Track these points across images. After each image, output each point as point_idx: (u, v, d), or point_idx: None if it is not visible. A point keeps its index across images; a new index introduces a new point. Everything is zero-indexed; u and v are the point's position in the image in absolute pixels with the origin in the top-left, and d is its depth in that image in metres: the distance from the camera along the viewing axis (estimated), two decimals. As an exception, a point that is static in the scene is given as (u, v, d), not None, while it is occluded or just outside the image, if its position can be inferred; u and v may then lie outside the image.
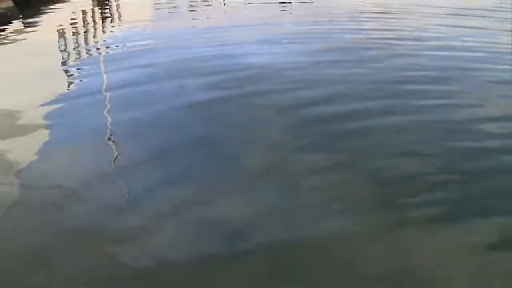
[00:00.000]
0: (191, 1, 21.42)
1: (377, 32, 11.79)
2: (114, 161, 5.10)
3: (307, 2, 18.57)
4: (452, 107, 6.42)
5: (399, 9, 15.49)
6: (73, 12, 17.21)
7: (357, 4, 17.06)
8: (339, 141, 5.44)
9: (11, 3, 18.41)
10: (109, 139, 5.63)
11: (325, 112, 6.19)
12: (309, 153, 5.15)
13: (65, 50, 10.99)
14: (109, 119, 6.20)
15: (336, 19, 13.85)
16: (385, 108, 6.31)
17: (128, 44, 10.87)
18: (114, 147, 5.44)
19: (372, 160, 4.99)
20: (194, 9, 18.73)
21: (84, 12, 17.72)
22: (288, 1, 18.59)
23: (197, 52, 9.76)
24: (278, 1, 18.46)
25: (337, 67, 8.45)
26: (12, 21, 14.86)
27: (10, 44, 11.53)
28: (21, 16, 16.30)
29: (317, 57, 9.25)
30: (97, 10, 18.29)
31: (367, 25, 12.64)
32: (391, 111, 6.23)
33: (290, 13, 16.18)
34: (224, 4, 18.77)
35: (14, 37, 12.48)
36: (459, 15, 14.37)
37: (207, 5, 19.76)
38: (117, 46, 10.94)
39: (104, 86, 7.55)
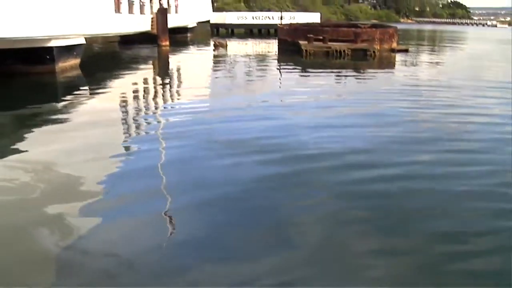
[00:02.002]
0: (247, 68, 22.04)
1: (428, 107, 11.76)
2: (169, 236, 5.14)
3: (361, 76, 18.68)
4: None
5: (447, 84, 15.35)
6: (136, 81, 17.88)
7: (406, 79, 17.09)
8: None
9: (79, 71, 19.39)
10: (165, 214, 5.64)
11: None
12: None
13: (125, 120, 11.26)
14: (165, 193, 6.20)
15: (388, 95, 13.69)
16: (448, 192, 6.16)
17: (186, 116, 11.04)
18: (170, 222, 5.45)
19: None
20: (250, 76, 19.16)
21: (145, 81, 18.38)
22: (344, 75, 18.78)
23: (252, 127, 9.78)
24: (334, 76, 18.63)
25: (393, 152, 8.25)
26: (79, 88, 15.52)
27: (77, 111, 11.96)
28: (87, 84, 17.04)
29: (368, 134, 9.14)
30: (158, 78, 18.92)
31: (421, 103, 12.46)
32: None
33: (345, 86, 16.23)
34: (280, 75, 19.13)
35: (80, 104, 12.98)
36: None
37: (262, 73, 20.20)
38: (175, 117, 11.12)
39: (161, 161, 7.60)
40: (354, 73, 20.02)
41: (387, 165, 7.38)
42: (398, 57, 26.79)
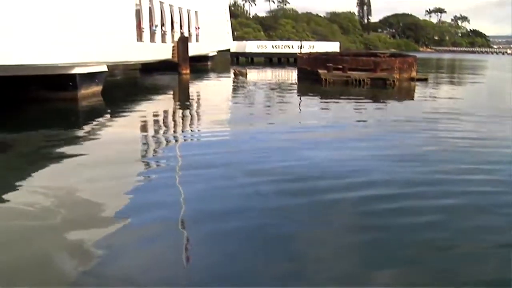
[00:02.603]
0: (266, 96, 22.10)
1: (450, 138, 11.61)
2: (186, 265, 5.12)
3: (380, 105, 18.61)
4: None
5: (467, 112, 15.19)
6: (156, 108, 18.05)
7: (426, 108, 16.95)
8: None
9: (101, 98, 19.66)
10: (182, 243, 5.61)
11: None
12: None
13: (145, 148, 11.35)
14: (183, 223, 6.19)
15: (408, 125, 13.59)
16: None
17: (205, 144, 11.12)
18: (187, 251, 5.41)
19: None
20: (269, 105, 19.21)
21: (166, 108, 18.54)
22: (363, 104, 18.74)
23: (271, 156, 9.76)
24: (353, 105, 18.61)
25: (414, 184, 8.16)
26: (100, 115, 15.73)
27: (98, 137, 12.09)
28: (108, 111, 17.26)
29: (389, 166, 9.05)
30: (179, 106, 19.07)
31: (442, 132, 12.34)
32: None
33: (364, 116, 16.18)
34: (300, 104, 19.17)
35: (101, 130, 13.15)
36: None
37: (282, 102, 20.23)
38: (194, 145, 11.20)
39: (179, 189, 7.60)
40: (374, 102, 19.96)
41: (408, 197, 7.28)
42: (418, 86, 26.72)
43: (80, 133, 12.63)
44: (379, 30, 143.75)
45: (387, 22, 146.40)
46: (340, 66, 27.13)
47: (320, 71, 26.96)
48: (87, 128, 13.39)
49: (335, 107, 18.33)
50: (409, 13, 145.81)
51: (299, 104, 19.70)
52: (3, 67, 14.46)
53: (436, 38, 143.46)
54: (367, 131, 13.01)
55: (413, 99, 22.00)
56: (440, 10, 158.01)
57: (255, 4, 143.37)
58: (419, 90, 24.97)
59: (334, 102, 19.63)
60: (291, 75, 34.67)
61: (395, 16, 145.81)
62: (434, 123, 14.19)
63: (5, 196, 7.25)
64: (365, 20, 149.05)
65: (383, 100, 21.10)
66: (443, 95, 23.82)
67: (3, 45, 13.52)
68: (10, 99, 16.87)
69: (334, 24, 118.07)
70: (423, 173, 8.55)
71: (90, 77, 19.45)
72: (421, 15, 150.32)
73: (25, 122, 14.29)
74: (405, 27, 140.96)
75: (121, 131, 13.12)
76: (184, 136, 12.61)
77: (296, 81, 30.03)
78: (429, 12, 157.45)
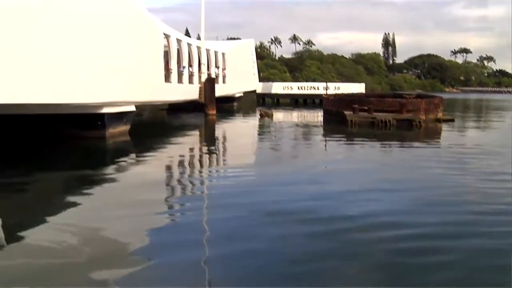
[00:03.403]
0: (292, 137, 22.10)
1: (481, 180, 11.34)
2: None
3: (407, 146, 18.47)
4: None
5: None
6: (182, 148, 18.22)
7: (453, 149, 16.80)
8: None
9: (128, 137, 19.96)
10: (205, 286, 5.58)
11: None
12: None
13: (170, 187, 11.41)
14: (207, 265, 6.13)
15: (435, 167, 13.41)
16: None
17: (231, 185, 11.10)
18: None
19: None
20: (295, 146, 19.19)
21: (192, 148, 18.69)
22: (389, 145, 18.66)
23: (297, 198, 9.68)
24: (379, 146, 18.54)
25: (443, 226, 8.02)
26: (127, 155, 15.95)
27: (124, 176, 12.25)
28: (135, 150, 17.49)
29: (418, 207, 8.91)
30: (205, 146, 19.22)
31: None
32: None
33: (391, 157, 16.07)
34: (325, 145, 19.16)
35: (127, 169, 13.33)
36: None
37: (308, 143, 20.21)
38: (219, 186, 11.19)
39: (204, 230, 7.61)
40: (400, 144, 19.84)
41: (435, 238, 7.15)
42: (444, 127, 26.52)
43: (107, 171, 12.77)
44: (404, 71, 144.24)
45: (412, 62, 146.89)
46: (366, 107, 27.12)
47: (345, 112, 26.99)
48: (113, 167, 13.55)
49: (361, 148, 18.22)
50: (434, 54, 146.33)
51: (325, 146, 19.66)
52: (39, 105, 14.86)
53: (461, 78, 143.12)
54: (393, 173, 12.86)
55: (440, 140, 21.79)
56: (466, 51, 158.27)
57: (281, 46, 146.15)
58: (446, 131, 24.77)
59: (360, 143, 19.55)
60: (316, 116, 34.75)
61: (420, 56, 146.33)
62: (463, 163, 13.99)
63: (30, 232, 7.34)
64: (390, 61, 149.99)
65: (409, 141, 20.95)
66: (471, 136, 23.58)
67: (40, 84, 13.91)
68: (42, 136, 17.45)
69: (359, 65, 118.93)
70: (454, 214, 8.46)
71: (118, 117, 19.83)
72: (446, 55, 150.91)
73: (54, 160, 14.63)
74: (430, 67, 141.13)
75: (147, 171, 13.23)
76: (209, 177, 12.64)
77: (322, 123, 30.07)
78: (454, 52, 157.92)
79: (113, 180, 11.70)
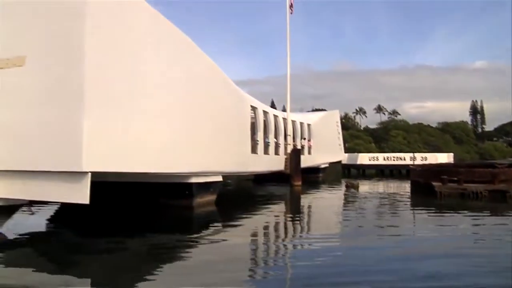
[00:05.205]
0: (378, 209, 21.61)
1: None
2: None
3: (502, 220, 17.51)
4: None
5: None
6: (267, 219, 18.34)
7: None
8: None
9: (214, 207, 20.44)
10: None
11: None
12: None
13: (254, 258, 11.51)
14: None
15: None
16: None
17: (315, 258, 10.97)
18: None
19: None
20: (382, 218, 18.69)
21: (277, 219, 18.78)
22: (482, 224, 17.82)
23: (384, 273, 9.34)
24: (471, 220, 17.77)
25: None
26: (213, 223, 16.34)
27: (207, 244, 12.55)
28: (221, 219, 17.87)
29: None
30: (290, 218, 19.25)
31: None
32: None
33: (484, 232, 15.28)
34: (414, 218, 18.58)
35: (211, 237, 13.62)
36: None
37: (395, 215, 19.68)
38: (303, 258, 11.11)
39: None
40: (493, 217, 18.87)
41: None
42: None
43: (193, 238, 13.18)
44: (495, 138, 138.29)
45: (502, 130, 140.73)
46: (455, 178, 26.22)
47: (434, 183, 26.21)
48: (199, 235, 13.94)
49: (451, 221, 17.47)
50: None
51: (413, 218, 19.08)
52: (138, 175, 15.65)
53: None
54: (486, 248, 12.27)
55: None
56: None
57: (366, 116, 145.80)
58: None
59: (450, 216, 18.83)
60: (403, 188, 33.93)
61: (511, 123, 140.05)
62: None
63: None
64: (479, 129, 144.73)
65: (503, 214, 19.88)
66: None
67: (137, 155, 14.59)
68: (133, 204, 18.48)
69: (447, 134, 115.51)
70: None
71: (206, 187, 20.44)
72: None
73: (145, 226, 15.34)
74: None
75: (232, 239, 13.45)
76: (293, 247, 12.59)
77: (409, 194, 29.31)
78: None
79: (199, 247, 12.04)
